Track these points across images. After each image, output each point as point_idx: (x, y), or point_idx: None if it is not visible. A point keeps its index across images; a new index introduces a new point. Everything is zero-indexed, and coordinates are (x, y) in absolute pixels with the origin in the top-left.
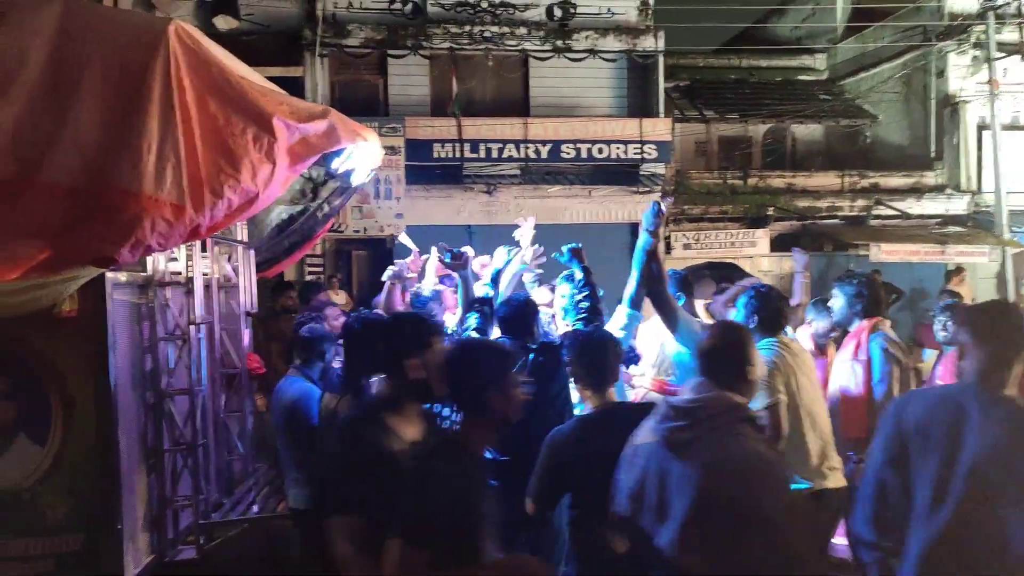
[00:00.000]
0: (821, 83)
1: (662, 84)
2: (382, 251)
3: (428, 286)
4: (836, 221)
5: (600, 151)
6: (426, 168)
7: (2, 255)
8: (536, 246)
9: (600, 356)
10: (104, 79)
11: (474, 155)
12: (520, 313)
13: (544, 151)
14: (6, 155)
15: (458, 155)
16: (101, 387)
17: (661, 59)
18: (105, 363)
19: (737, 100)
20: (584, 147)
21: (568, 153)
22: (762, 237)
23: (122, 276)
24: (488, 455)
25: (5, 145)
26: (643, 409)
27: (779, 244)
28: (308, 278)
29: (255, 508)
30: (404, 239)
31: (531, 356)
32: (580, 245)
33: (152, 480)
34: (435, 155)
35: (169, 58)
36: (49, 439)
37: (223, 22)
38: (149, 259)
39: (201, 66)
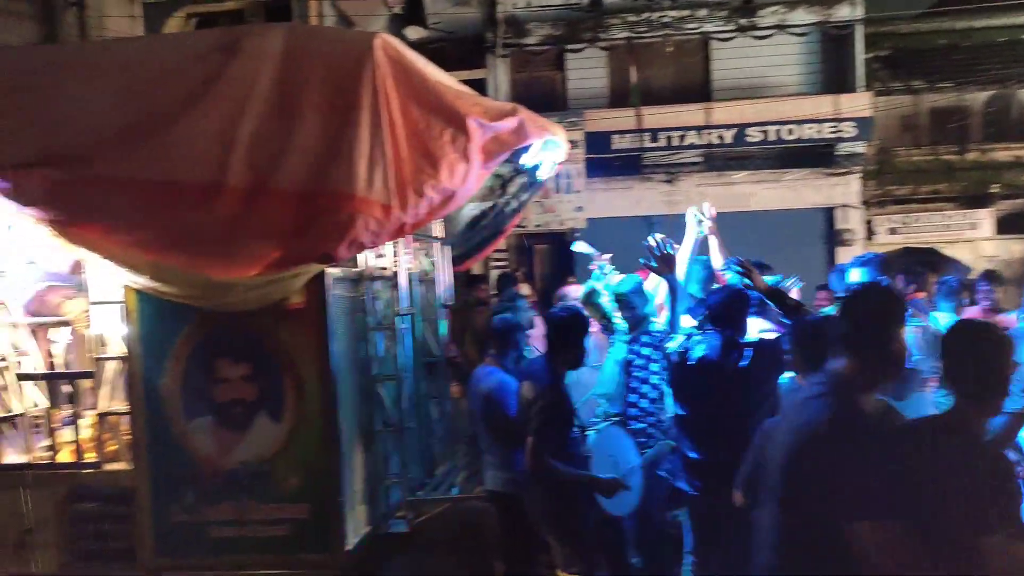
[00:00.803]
0: None
1: (861, 55)
2: (562, 245)
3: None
4: None
5: (790, 132)
6: (606, 160)
7: (243, 254)
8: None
9: (820, 342)
10: (321, 93)
11: (654, 144)
12: (730, 304)
13: (728, 136)
14: (244, 166)
15: (638, 145)
16: (324, 372)
17: (859, 29)
18: (327, 350)
19: (949, 67)
20: (772, 129)
21: (754, 136)
22: (985, 218)
23: (338, 272)
24: (695, 455)
25: (242, 157)
26: None
27: (1007, 225)
28: (494, 272)
29: (455, 489)
30: (581, 247)
31: (747, 353)
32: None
33: (367, 458)
34: (614, 147)
35: (376, 70)
36: (283, 416)
37: (413, 32)
38: (360, 256)
39: (404, 75)
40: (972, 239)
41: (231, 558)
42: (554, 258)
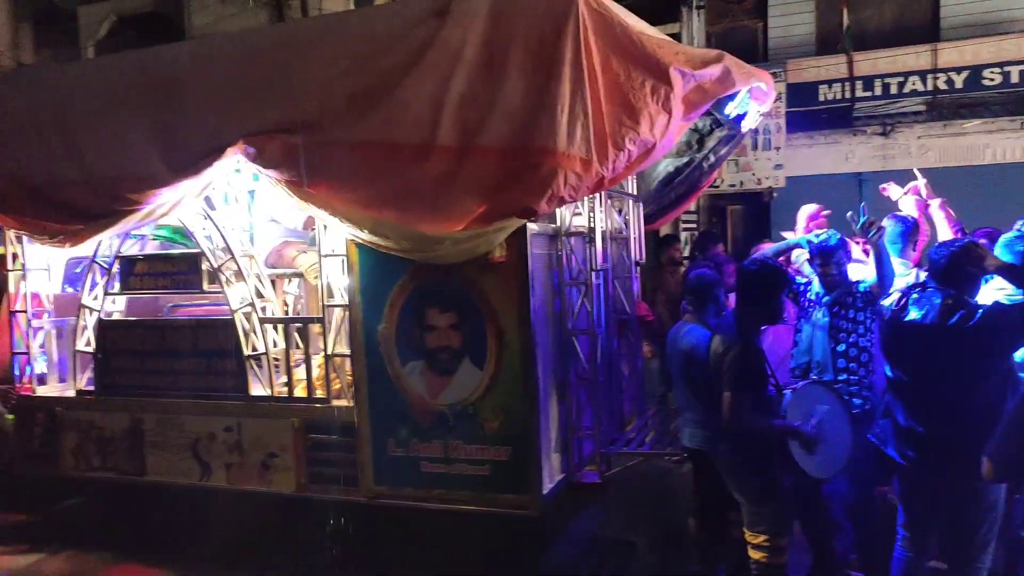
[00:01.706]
0: None
1: None
2: (758, 206)
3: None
4: None
5: None
6: (810, 113)
7: (452, 210)
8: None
9: None
10: (525, 50)
11: (867, 94)
12: (958, 259)
13: (959, 80)
14: (454, 125)
15: (848, 95)
16: (524, 323)
17: None
18: (526, 303)
19: None
20: (1015, 70)
21: (992, 79)
22: None
23: (537, 227)
24: (907, 423)
25: (453, 117)
26: None
27: None
28: (684, 232)
29: (646, 446)
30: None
31: (977, 316)
32: None
33: (561, 408)
34: (821, 98)
35: (579, 23)
36: (486, 363)
37: None
38: (558, 212)
39: (606, 27)
40: None
41: (438, 492)
42: (748, 220)
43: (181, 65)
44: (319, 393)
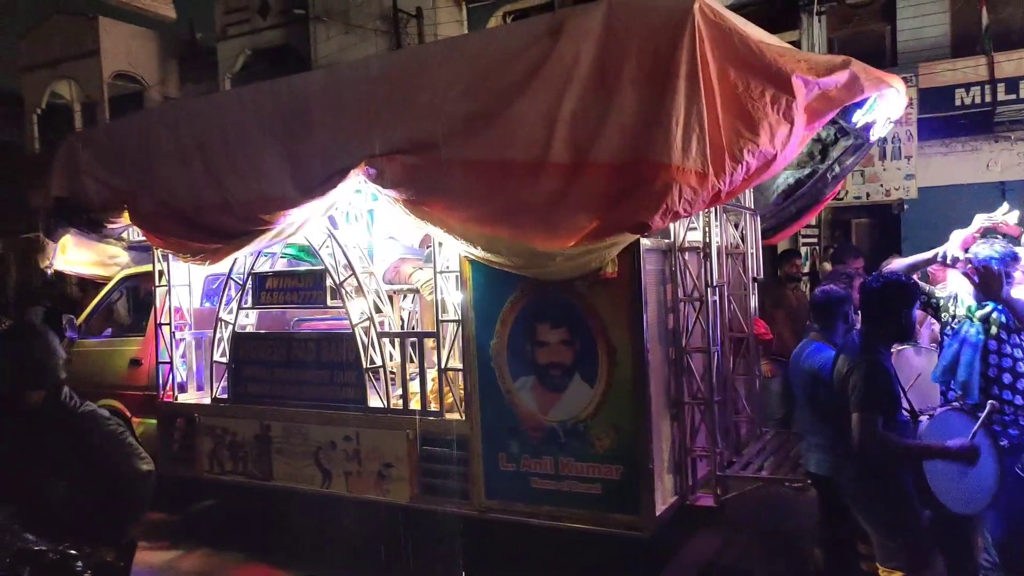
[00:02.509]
0: None
1: None
2: (887, 218)
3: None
4: None
5: None
6: (945, 119)
7: (563, 226)
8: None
9: None
10: (639, 64)
11: (1011, 96)
12: None
13: None
14: (567, 143)
15: (988, 99)
16: (636, 340)
17: None
18: (639, 319)
19: None
20: None
21: None
22: None
23: (650, 242)
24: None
25: (566, 135)
26: None
27: None
28: (803, 248)
29: (765, 471)
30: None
31: None
32: None
33: (674, 428)
34: (957, 103)
35: (695, 35)
36: (597, 380)
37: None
38: (671, 227)
39: (723, 37)
40: None
41: (548, 509)
42: (875, 234)
43: (309, 93)
44: (432, 406)
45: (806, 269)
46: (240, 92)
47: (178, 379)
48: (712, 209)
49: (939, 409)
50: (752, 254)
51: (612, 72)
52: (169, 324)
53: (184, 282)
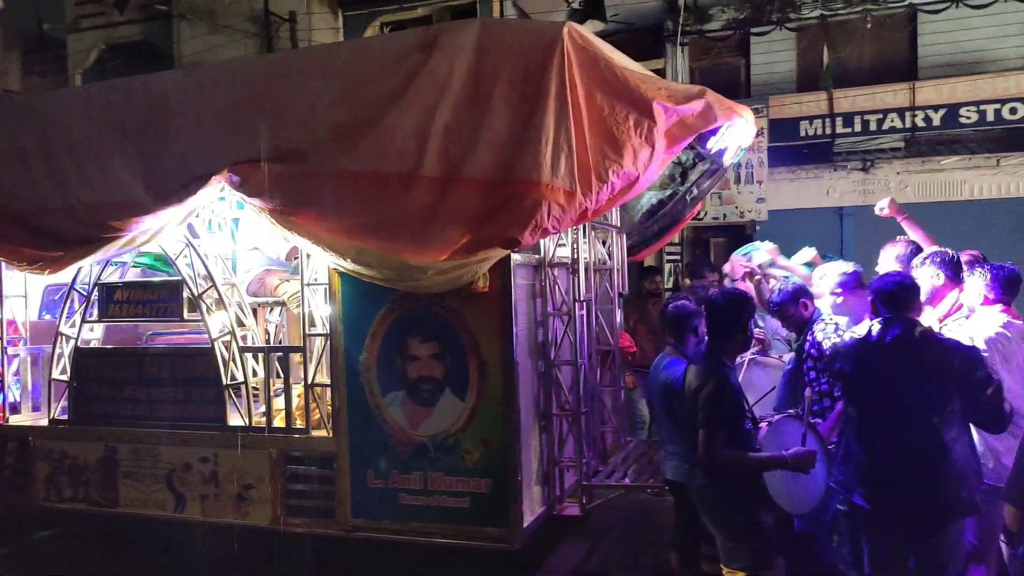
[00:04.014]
0: None
1: None
2: (742, 238)
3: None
4: None
5: (1013, 111)
6: (791, 148)
7: (435, 240)
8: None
9: None
10: (511, 83)
11: (847, 130)
12: (901, 286)
13: (936, 118)
14: (440, 156)
15: (828, 131)
16: (506, 353)
17: None
18: (509, 333)
19: None
20: (990, 108)
21: (968, 117)
22: None
23: (520, 257)
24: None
25: (438, 149)
26: None
27: None
28: (667, 264)
29: (627, 479)
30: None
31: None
32: None
33: (543, 440)
34: (802, 133)
35: (563, 58)
36: (468, 394)
37: (592, 26)
38: (541, 243)
39: (590, 62)
40: None
41: (417, 525)
42: (731, 252)
43: (168, 94)
44: (298, 424)
45: (669, 284)
46: (90, 89)
47: (10, 399)
48: (580, 226)
49: (775, 416)
50: (618, 270)
51: (485, 90)
52: (0, 339)
53: (19, 293)
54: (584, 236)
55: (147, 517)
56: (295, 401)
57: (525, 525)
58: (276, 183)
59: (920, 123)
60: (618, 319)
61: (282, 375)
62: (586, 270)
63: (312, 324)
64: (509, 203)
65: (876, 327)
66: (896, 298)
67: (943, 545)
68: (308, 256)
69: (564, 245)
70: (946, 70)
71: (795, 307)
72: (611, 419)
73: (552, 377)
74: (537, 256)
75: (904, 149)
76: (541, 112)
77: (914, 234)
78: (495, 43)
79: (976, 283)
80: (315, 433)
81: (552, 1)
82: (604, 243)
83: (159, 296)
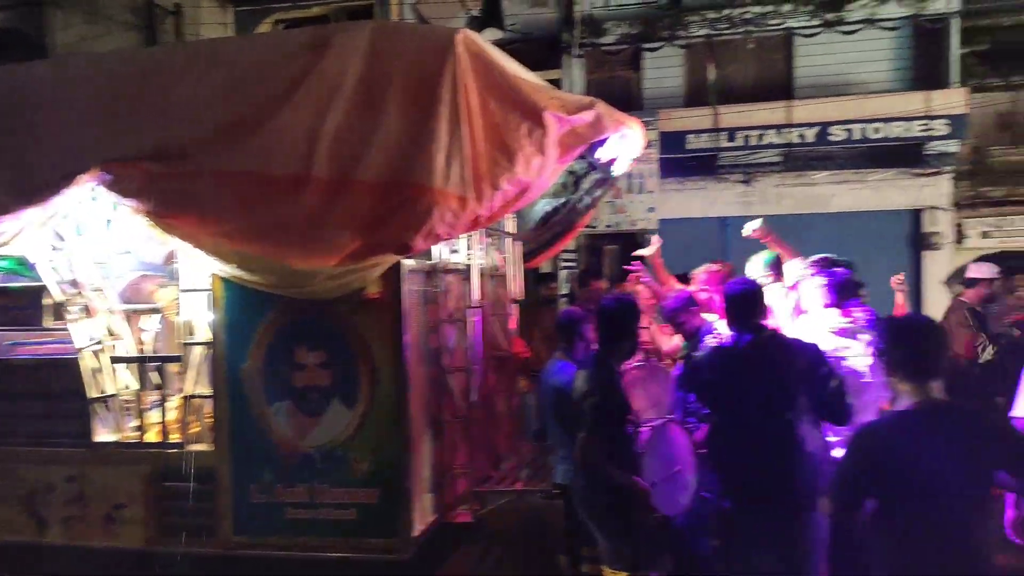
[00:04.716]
0: None
1: (956, 50)
2: (633, 245)
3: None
4: None
5: (876, 131)
6: (680, 160)
7: (325, 244)
8: None
9: (920, 343)
10: (404, 87)
11: (731, 144)
12: (746, 295)
13: (809, 135)
14: (330, 158)
15: (713, 145)
16: (397, 361)
17: (955, 22)
18: (401, 340)
19: None
20: (856, 127)
21: (837, 135)
22: None
23: (413, 264)
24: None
25: (329, 150)
26: (975, 408)
27: None
28: (563, 271)
29: (519, 483)
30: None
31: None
32: None
33: (435, 447)
34: (689, 146)
35: (457, 64)
36: (357, 402)
37: (490, 34)
38: (434, 249)
39: (483, 69)
40: None
41: (304, 540)
42: (624, 259)
43: (34, 85)
44: (174, 437)
45: (565, 291)
46: None
47: None
48: (474, 233)
49: (657, 421)
50: (513, 276)
51: (378, 93)
52: None
53: None
54: (480, 243)
55: (2, 544)
56: (172, 414)
57: (416, 534)
58: (153, 183)
59: (795, 140)
60: (513, 325)
61: (159, 386)
62: (480, 276)
63: (191, 332)
64: (402, 208)
65: (729, 335)
66: (744, 305)
67: (802, 536)
68: (187, 260)
69: (457, 251)
70: (818, 91)
71: (686, 315)
72: (504, 424)
73: (445, 383)
74: (430, 262)
75: (781, 164)
76: (434, 118)
77: (780, 250)
78: (388, 46)
79: (813, 288)
80: (193, 447)
81: (451, 7)
82: (499, 250)
83: (17, 303)
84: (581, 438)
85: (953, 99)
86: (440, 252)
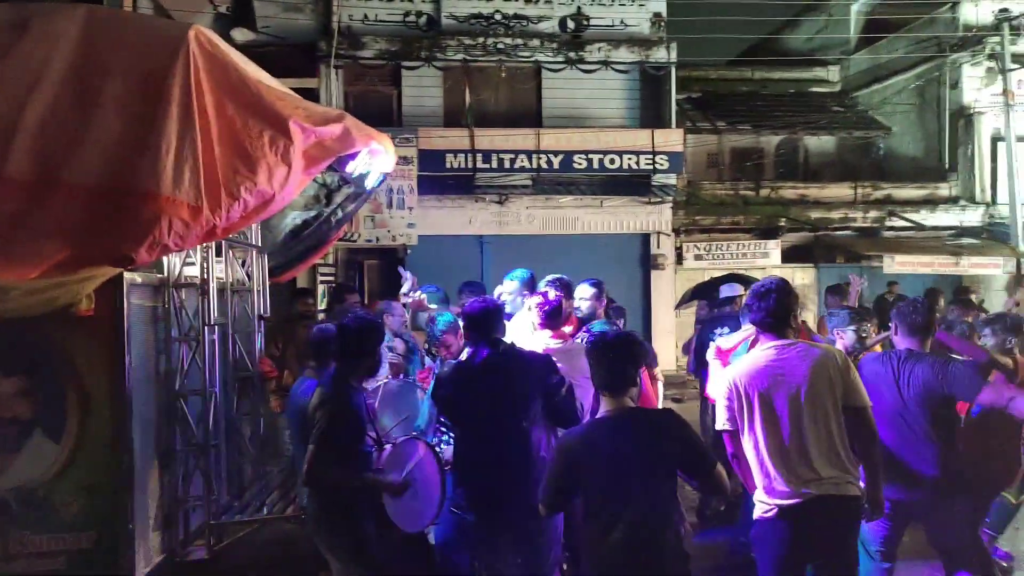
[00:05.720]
0: (834, 95)
1: (674, 96)
2: (393, 260)
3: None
4: (849, 232)
5: (612, 162)
6: (439, 178)
7: (24, 254)
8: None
9: (617, 359)
10: (126, 82)
11: (486, 165)
12: (484, 310)
13: (556, 161)
14: (29, 156)
15: (470, 165)
16: (117, 386)
17: (673, 71)
18: (121, 362)
19: (749, 112)
20: (596, 157)
21: (580, 164)
22: (774, 248)
23: (138, 277)
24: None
25: (28, 146)
26: (660, 414)
27: (791, 255)
28: (321, 286)
29: (265, 510)
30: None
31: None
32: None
33: (165, 480)
34: (448, 165)
35: (189, 61)
36: (65, 436)
37: (240, 35)
38: (165, 261)
39: (220, 69)
40: (764, 266)
41: None
42: (384, 274)
43: None
44: None
45: (323, 306)
46: None
47: None
48: (212, 244)
49: (399, 439)
50: (259, 291)
51: (93, 86)
52: None
53: None
54: (219, 255)
55: None
56: None
57: None
58: None
59: (544, 165)
60: (259, 343)
61: None
62: (221, 291)
63: None
64: (122, 215)
65: (467, 351)
66: (482, 322)
67: (538, 539)
68: None
69: (193, 264)
70: (564, 121)
71: (453, 337)
72: (249, 449)
73: (177, 409)
74: (160, 275)
75: (532, 187)
76: (162, 118)
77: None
78: (106, 36)
79: (530, 309)
80: None
81: (196, 2)
82: (243, 263)
83: None
84: (309, 451)
85: (672, 138)
86: (173, 264)
